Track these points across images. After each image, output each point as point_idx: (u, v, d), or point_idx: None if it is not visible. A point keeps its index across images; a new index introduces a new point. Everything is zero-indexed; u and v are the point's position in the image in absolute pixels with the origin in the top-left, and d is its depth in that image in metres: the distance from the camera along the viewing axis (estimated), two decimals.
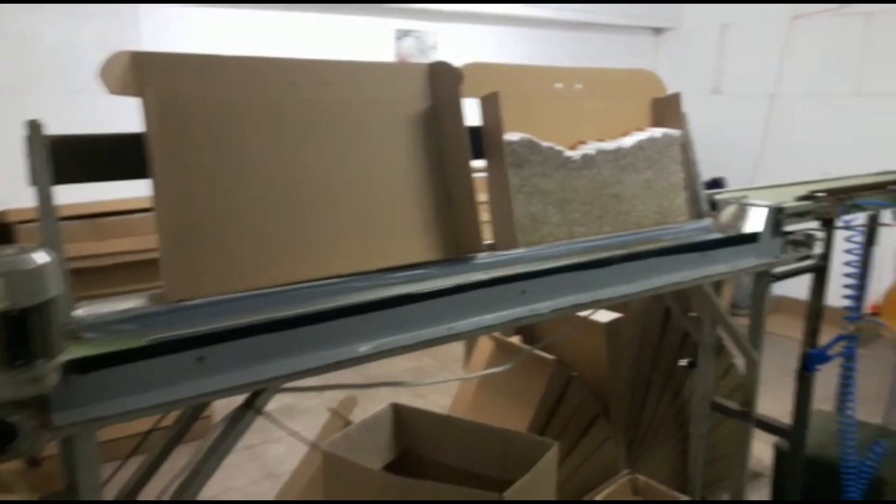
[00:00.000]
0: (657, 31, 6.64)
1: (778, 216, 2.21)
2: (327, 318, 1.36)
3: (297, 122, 1.57)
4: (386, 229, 1.69)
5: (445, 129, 1.79)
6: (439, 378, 4.60)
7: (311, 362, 1.34)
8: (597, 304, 1.80)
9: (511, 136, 1.88)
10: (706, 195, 2.38)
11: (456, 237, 1.77)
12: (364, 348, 1.42)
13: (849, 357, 2.39)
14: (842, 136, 5.22)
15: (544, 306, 1.69)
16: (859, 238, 2.36)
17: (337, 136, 1.65)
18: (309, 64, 1.62)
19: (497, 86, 1.92)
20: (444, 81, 1.79)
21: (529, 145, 1.90)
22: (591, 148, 2.10)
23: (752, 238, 2.19)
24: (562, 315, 1.73)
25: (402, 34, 5.28)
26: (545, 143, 1.95)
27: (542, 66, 2.17)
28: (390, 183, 1.73)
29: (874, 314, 3.51)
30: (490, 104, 1.89)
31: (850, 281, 2.36)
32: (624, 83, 2.38)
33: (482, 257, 1.76)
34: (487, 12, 5.42)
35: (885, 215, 2.67)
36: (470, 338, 1.58)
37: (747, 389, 2.35)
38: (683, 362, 2.88)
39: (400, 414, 2.30)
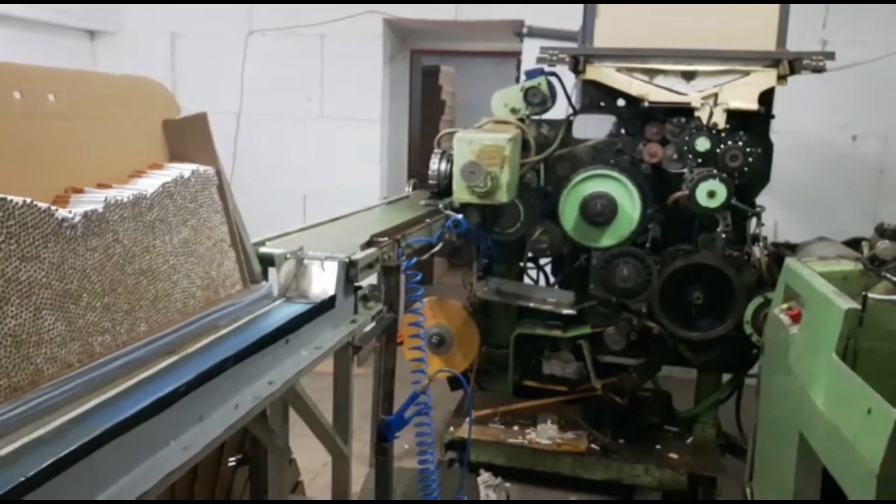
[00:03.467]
0: (93, 34, 5.64)
1: (351, 271, 1.80)
2: None
3: None
4: None
5: None
6: None
7: None
8: (161, 486, 1.04)
9: None
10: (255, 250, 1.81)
11: None
12: None
13: (425, 413, 2.16)
14: (313, 157, 5.29)
15: None
16: (419, 279, 2.13)
17: None
18: None
19: None
20: None
21: None
22: (94, 200, 1.30)
23: (330, 304, 1.72)
24: None
25: None
26: (16, 199, 1.08)
27: None
28: None
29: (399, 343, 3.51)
30: None
31: (416, 330, 2.11)
32: (119, 96, 1.62)
33: None
34: None
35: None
36: None
37: (338, 490, 1.88)
38: (233, 461, 2.24)
39: None
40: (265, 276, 1.87)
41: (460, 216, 2.75)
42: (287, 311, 1.64)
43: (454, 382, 3.57)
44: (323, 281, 1.77)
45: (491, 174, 2.84)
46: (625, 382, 3.36)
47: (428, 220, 2.56)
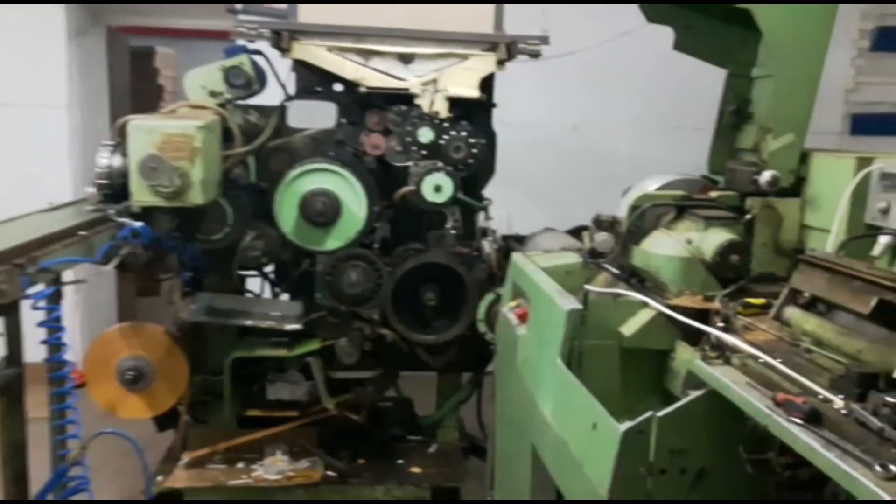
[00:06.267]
0: None
1: None
2: None
3: None
4: None
5: None
6: None
7: None
8: None
9: None
10: None
11: None
12: None
13: (83, 489, 1.65)
14: None
15: None
16: (59, 315, 1.61)
17: None
18: None
19: None
20: None
21: None
22: None
23: None
24: None
25: None
26: None
27: None
28: None
29: (81, 385, 2.87)
30: None
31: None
32: None
33: None
34: None
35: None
36: None
37: None
38: None
39: None
40: None
41: (139, 224, 2.24)
42: None
43: (162, 422, 3.02)
44: None
45: (179, 170, 2.35)
46: (361, 397, 3.08)
47: (85, 233, 2.01)
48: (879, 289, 1.40)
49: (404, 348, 3.06)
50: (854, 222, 1.98)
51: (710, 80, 2.79)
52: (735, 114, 2.51)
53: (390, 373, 3.20)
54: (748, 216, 2.25)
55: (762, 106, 2.39)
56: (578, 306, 1.90)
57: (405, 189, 2.85)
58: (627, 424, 1.46)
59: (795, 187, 2.32)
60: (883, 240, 1.89)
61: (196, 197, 2.41)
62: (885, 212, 1.86)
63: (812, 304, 1.66)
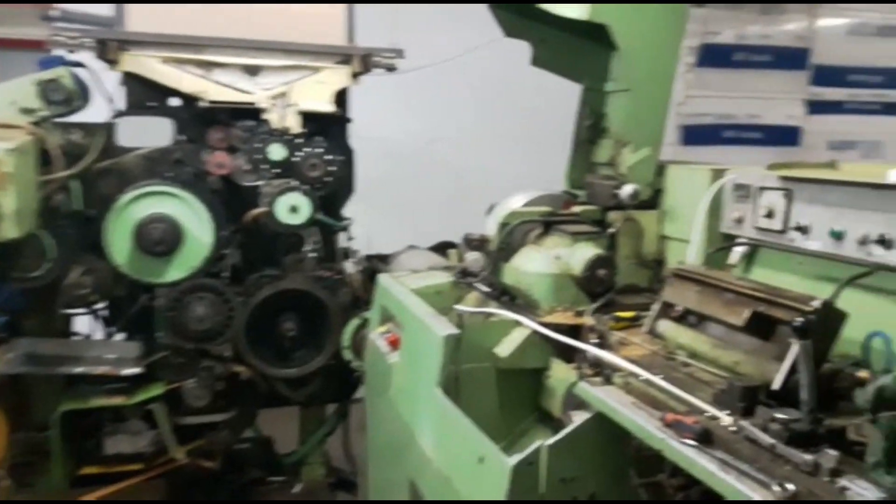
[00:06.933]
0: None
1: None
2: None
3: None
4: None
5: None
6: None
7: None
8: None
9: None
10: None
11: None
12: None
13: None
14: None
15: None
16: None
17: None
18: None
19: None
20: None
21: None
22: None
23: None
24: None
25: None
26: None
27: None
28: None
29: None
30: None
31: None
32: None
33: None
34: None
35: None
36: None
37: None
38: None
39: None
40: None
41: None
42: None
43: None
44: None
45: None
46: (215, 442, 2.83)
47: None
48: (750, 300, 1.44)
49: (262, 385, 2.85)
50: (711, 232, 2.06)
51: (564, 94, 2.85)
52: (591, 128, 2.57)
53: (246, 412, 2.97)
54: (611, 230, 2.29)
55: (618, 120, 2.46)
56: (455, 331, 1.83)
57: (257, 211, 2.66)
58: (517, 457, 1.39)
59: (652, 199, 2.40)
60: (738, 248, 1.98)
61: (8, 230, 2.10)
62: (740, 221, 1.95)
63: (683, 317, 1.69)
